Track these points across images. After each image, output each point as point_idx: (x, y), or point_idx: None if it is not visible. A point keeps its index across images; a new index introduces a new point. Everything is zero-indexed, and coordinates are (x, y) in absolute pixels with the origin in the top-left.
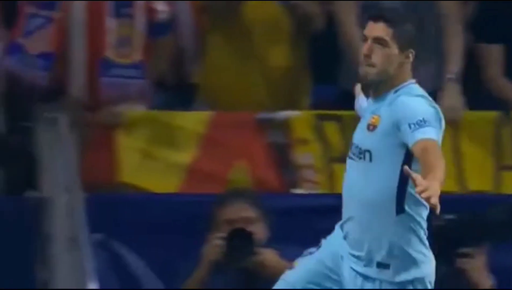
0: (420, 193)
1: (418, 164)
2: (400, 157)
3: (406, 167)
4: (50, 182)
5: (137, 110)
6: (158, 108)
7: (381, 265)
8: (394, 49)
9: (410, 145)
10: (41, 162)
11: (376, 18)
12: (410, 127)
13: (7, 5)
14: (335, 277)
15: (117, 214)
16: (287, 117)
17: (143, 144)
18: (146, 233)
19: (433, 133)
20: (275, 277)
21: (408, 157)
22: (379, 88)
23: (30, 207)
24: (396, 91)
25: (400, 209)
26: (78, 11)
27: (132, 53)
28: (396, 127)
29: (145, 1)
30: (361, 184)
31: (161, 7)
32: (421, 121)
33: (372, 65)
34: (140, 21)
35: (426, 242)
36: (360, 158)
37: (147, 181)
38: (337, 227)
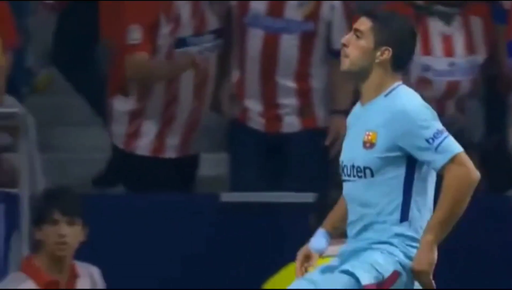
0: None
1: (421, 170)
2: (403, 165)
3: None
4: None
5: None
6: None
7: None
8: (369, 43)
9: (436, 169)
10: None
11: (363, 14)
12: (428, 144)
13: None
14: None
15: None
16: None
17: None
18: None
19: (452, 144)
20: None
21: (412, 164)
22: (360, 86)
23: None
24: (386, 95)
25: (404, 217)
26: None
27: None
28: (399, 138)
29: None
30: (365, 196)
31: None
32: (432, 137)
33: (346, 56)
34: None
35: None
36: (360, 176)
37: None
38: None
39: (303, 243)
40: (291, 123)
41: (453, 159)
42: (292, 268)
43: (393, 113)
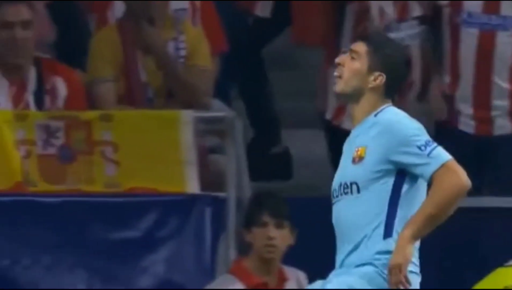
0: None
1: (409, 185)
2: (391, 180)
3: None
4: None
5: None
6: None
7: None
8: (364, 65)
9: (428, 175)
10: None
11: (360, 38)
12: (420, 151)
13: None
14: None
15: None
16: None
17: None
18: None
19: (443, 152)
20: None
21: (400, 179)
22: (351, 108)
23: None
24: (376, 115)
25: (388, 233)
26: None
27: None
28: (389, 149)
29: None
30: (351, 215)
31: None
32: (424, 145)
33: (340, 76)
34: None
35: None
36: (346, 193)
37: None
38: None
39: None
40: (502, 125)
41: (445, 166)
42: (500, 272)
43: (385, 125)
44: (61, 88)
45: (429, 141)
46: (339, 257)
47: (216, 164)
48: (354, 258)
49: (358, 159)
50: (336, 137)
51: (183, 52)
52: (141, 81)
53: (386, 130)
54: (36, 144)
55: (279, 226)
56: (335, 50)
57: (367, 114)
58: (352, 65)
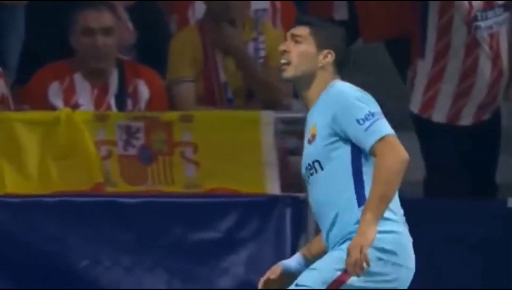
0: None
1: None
2: (347, 149)
3: None
4: None
5: None
6: None
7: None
8: (311, 47)
9: (366, 150)
10: None
11: (297, 22)
12: (358, 125)
13: None
14: None
15: None
16: None
17: None
18: None
19: (382, 126)
20: None
21: (355, 146)
22: (303, 93)
23: None
24: (326, 92)
25: (361, 201)
26: None
27: None
28: (333, 120)
29: None
30: (321, 193)
31: None
32: (363, 118)
33: (287, 63)
34: None
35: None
36: (312, 173)
37: None
38: None
39: None
40: None
41: (382, 140)
42: None
43: (329, 97)
44: (143, 90)
45: (369, 115)
46: (322, 234)
47: (296, 165)
48: (334, 235)
49: (312, 138)
50: (427, 131)
51: (262, 53)
52: (221, 81)
53: (330, 103)
54: (116, 145)
55: None
56: (421, 41)
57: (319, 94)
58: (299, 48)
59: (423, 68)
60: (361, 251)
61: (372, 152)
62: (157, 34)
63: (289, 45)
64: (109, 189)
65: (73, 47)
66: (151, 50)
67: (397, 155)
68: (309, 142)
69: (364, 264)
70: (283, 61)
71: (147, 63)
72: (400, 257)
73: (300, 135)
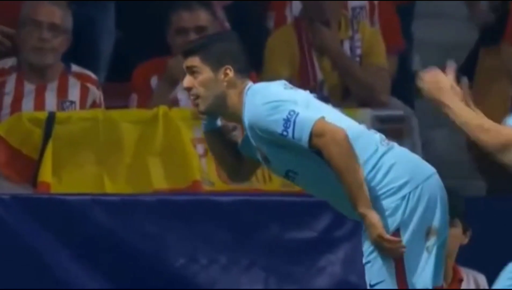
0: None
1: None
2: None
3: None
4: None
5: None
6: None
7: None
8: (208, 73)
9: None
10: None
11: (184, 54)
12: (285, 137)
13: None
14: None
15: None
16: None
17: None
18: None
19: (304, 121)
20: None
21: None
22: (226, 115)
23: None
24: (244, 115)
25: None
26: None
27: None
28: (270, 143)
29: None
30: (315, 181)
31: None
32: (283, 129)
33: (196, 97)
34: None
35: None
36: (294, 177)
37: None
38: None
39: None
40: None
41: (312, 136)
42: None
43: (248, 128)
44: None
45: (286, 120)
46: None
47: None
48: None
49: (266, 161)
50: None
51: (359, 51)
52: (317, 80)
53: (252, 133)
54: None
55: (450, 224)
56: None
57: (240, 112)
58: (199, 79)
59: None
60: (382, 239)
61: (314, 148)
62: (254, 33)
63: (188, 80)
64: (206, 187)
65: (170, 45)
66: (247, 49)
67: (334, 139)
68: (266, 163)
69: (396, 244)
70: (191, 97)
71: None
72: (407, 185)
73: (397, 133)
